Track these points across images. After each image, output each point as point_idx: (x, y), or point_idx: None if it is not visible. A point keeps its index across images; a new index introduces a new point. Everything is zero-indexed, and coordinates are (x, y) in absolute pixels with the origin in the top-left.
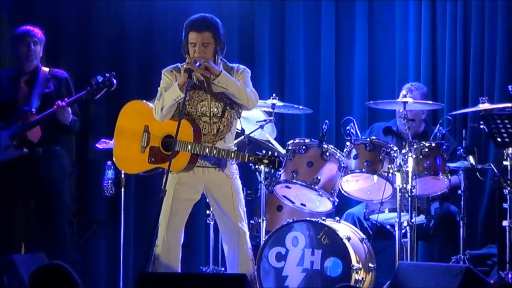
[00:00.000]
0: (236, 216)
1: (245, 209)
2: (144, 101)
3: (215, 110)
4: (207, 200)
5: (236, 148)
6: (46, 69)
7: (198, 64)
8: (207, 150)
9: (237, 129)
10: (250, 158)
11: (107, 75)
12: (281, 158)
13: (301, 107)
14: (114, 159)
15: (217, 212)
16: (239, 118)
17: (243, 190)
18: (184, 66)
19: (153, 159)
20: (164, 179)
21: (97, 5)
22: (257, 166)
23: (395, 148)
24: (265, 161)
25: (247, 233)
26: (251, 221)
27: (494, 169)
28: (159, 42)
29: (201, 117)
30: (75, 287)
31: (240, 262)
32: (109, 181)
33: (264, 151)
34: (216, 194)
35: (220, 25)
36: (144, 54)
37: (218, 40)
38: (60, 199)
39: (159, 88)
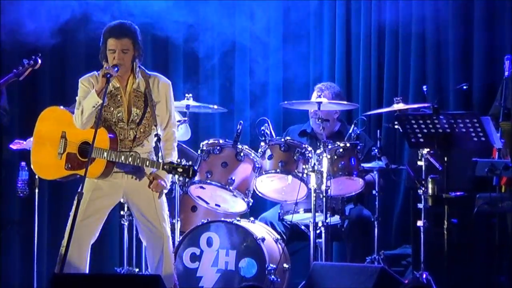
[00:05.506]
0: (159, 220)
1: (168, 212)
2: (62, 107)
3: (135, 116)
4: (128, 205)
5: (153, 154)
6: None
7: (116, 69)
8: (122, 157)
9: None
10: (165, 166)
11: (33, 56)
12: (195, 167)
13: (215, 107)
14: (31, 164)
15: (138, 217)
16: (156, 126)
17: None
18: (103, 71)
19: (69, 166)
20: (82, 183)
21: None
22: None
23: (309, 149)
24: (180, 170)
25: (170, 237)
26: None
27: (409, 169)
28: (72, 44)
29: (118, 123)
30: None
31: (164, 266)
32: (23, 182)
33: (178, 160)
34: (137, 200)
35: (139, 32)
36: (57, 57)
37: (137, 47)
38: None
39: (77, 98)
